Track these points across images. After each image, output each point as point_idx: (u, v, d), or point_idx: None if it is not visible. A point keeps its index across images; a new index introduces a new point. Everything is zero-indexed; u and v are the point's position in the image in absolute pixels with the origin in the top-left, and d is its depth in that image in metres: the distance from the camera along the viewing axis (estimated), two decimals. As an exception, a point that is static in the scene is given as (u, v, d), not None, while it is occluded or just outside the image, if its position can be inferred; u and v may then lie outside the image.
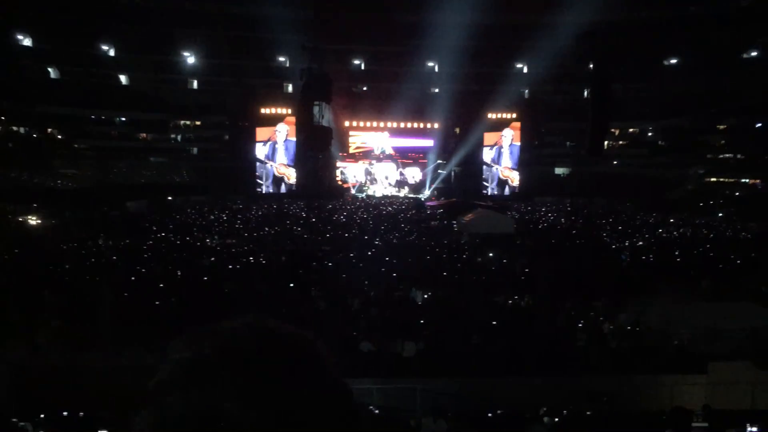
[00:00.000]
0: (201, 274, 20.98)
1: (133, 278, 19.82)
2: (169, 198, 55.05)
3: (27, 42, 67.78)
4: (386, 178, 74.44)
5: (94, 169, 60.72)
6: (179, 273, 20.96)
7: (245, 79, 74.42)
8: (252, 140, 67.56)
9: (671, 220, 44.13)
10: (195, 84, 76.88)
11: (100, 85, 70.63)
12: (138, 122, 71.92)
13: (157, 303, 16.39)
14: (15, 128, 63.97)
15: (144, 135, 71.99)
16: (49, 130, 66.17)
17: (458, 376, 12.81)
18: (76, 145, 66.74)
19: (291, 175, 68.23)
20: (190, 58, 75.21)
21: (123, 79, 74.43)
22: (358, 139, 74.81)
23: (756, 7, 65.05)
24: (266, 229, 36.63)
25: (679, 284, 20.75)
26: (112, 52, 72.89)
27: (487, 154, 70.97)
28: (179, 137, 74.36)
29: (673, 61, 72.98)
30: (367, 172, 74.71)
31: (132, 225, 36.57)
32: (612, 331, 15.13)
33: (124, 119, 71.68)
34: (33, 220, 36.12)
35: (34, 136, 64.83)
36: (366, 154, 74.58)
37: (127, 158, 66.29)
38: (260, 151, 67.80)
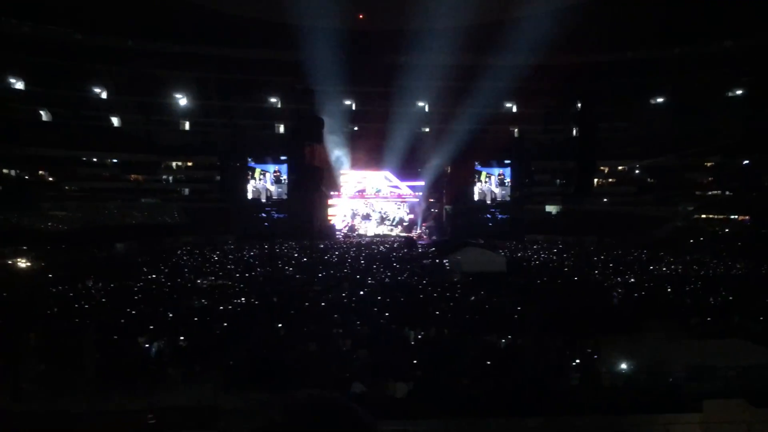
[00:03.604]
0: (192, 315, 20.75)
1: (122, 321, 19.57)
2: (160, 239, 54.75)
3: (19, 85, 68.29)
4: (379, 216, 74.43)
5: (83, 211, 60.43)
6: (170, 315, 20.72)
7: (236, 120, 74.96)
8: (243, 180, 67.71)
9: (661, 257, 44.16)
10: (186, 125, 77.27)
11: (91, 127, 70.82)
12: (129, 163, 72.06)
13: (146, 345, 16.14)
14: (5, 170, 63.90)
15: (135, 176, 71.99)
16: (40, 172, 66.14)
17: (450, 416, 12.62)
18: (66, 187, 66.62)
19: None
20: (182, 100, 75.77)
21: (114, 120, 74.78)
22: (350, 179, 75.10)
23: (738, 48, 66.57)
24: (258, 269, 36.44)
25: (669, 321, 20.71)
26: (104, 95, 73.42)
27: (478, 193, 71.20)
28: (170, 178, 74.42)
29: (659, 100, 74.06)
30: (359, 212, 74.75)
31: (121, 266, 36.29)
32: (605, 369, 14.99)
33: (115, 160, 71.82)
34: (21, 263, 35.72)
35: (25, 177, 64.74)
36: (358, 194, 74.75)
37: (118, 199, 66.10)
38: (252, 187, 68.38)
